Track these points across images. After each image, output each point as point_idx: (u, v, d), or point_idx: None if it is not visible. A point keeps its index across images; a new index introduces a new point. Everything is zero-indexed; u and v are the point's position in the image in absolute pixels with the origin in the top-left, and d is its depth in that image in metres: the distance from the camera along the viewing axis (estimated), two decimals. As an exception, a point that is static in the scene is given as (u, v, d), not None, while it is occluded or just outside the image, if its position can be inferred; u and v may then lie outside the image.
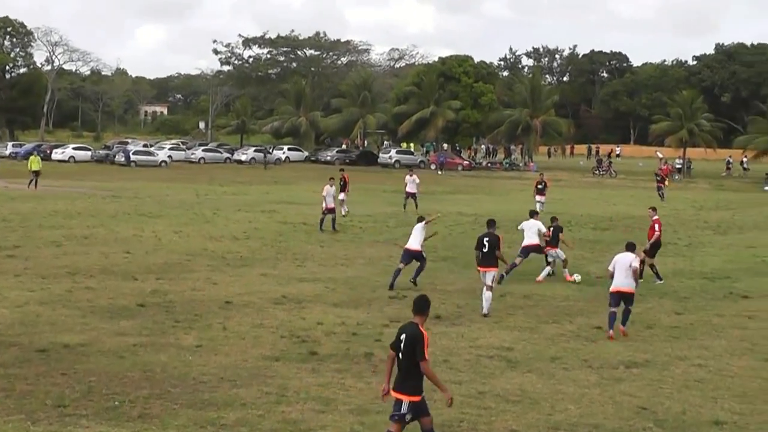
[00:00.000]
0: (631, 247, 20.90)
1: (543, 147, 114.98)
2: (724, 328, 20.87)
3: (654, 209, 29.23)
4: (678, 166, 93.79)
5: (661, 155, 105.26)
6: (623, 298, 20.19)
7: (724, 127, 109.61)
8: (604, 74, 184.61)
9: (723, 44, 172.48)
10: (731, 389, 15.90)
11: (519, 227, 28.20)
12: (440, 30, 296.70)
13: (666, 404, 14.94)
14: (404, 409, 11.24)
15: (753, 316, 22.30)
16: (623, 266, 20.22)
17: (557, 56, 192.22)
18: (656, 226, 27.81)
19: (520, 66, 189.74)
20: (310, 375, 15.86)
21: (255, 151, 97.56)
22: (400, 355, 11.24)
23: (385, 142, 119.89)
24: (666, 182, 74.36)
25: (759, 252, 34.90)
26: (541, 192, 49.12)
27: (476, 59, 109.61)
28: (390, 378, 11.48)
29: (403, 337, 11.27)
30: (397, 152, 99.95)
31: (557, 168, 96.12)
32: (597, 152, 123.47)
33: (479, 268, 22.16)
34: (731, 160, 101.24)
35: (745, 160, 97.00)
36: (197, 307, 21.14)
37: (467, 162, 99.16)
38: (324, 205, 37.60)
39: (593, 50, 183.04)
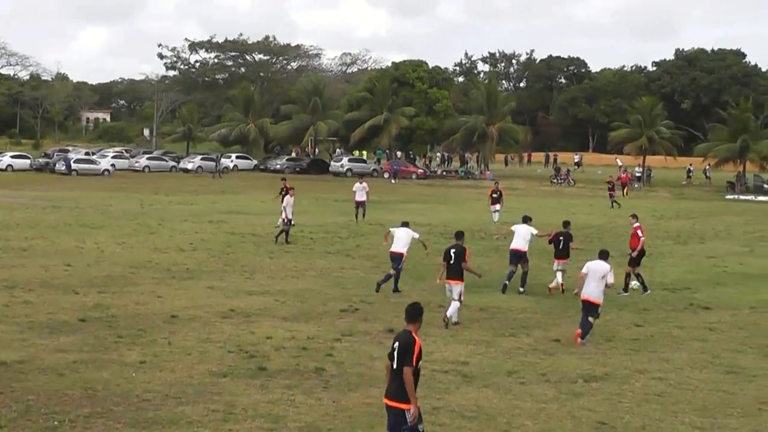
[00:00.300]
0: (604, 255, 21.34)
1: (499, 155, 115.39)
2: (685, 341, 21.07)
3: (635, 216, 29.49)
4: (638, 175, 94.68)
5: (620, 163, 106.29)
6: (589, 307, 20.56)
7: (684, 134, 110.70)
8: (562, 80, 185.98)
9: (683, 50, 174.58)
10: (692, 403, 16.05)
11: (512, 227, 28.38)
12: (393, 34, 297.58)
13: (625, 419, 15.05)
14: (410, 418, 11.27)
15: (714, 328, 22.54)
16: (596, 275, 20.64)
17: (514, 61, 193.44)
18: (639, 232, 28.01)
19: (476, 71, 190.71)
20: (258, 391, 15.80)
21: (202, 159, 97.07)
22: (394, 364, 11.38)
23: (337, 150, 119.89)
24: (626, 190, 75.19)
25: (719, 262, 35.30)
26: (496, 201, 49.23)
27: (431, 64, 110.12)
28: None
29: (396, 345, 11.45)
30: (349, 160, 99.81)
31: (514, 176, 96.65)
32: (555, 160, 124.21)
33: (446, 280, 22.43)
34: (692, 168, 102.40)
35: (707, 168, 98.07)
36: (141, 322, 20.99)
37: (421, 170, 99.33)
38: (284, 215, 37.52)
39: (551, 55, 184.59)
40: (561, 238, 27.17)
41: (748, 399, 16.39)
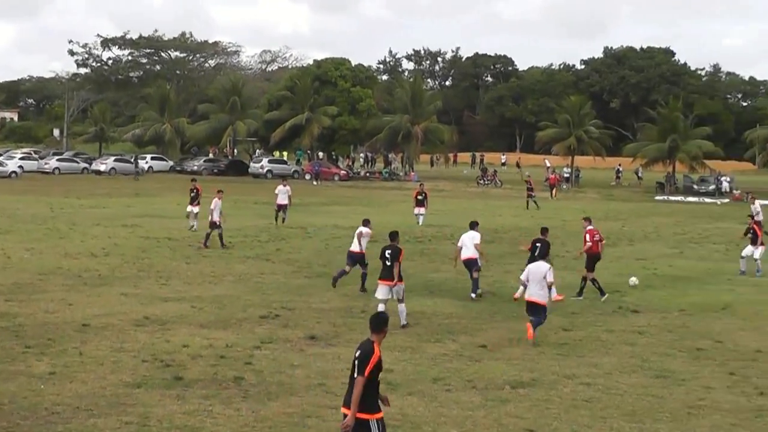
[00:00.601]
0: (543, 255, 22.66)
1: (425, 155, 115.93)
2: (614, 344, 21.31)
3: (588, 219, 29.53)
4: (566, 175, 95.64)
5: (548, 163, 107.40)
6: (534, 309, 21.11)
7: (613, 134, 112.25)
8: (489, 78, 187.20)
9: (612, 48, 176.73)
10: (620, 408, 16.24)
11: (459, 244, 28.10)
12: (315, 31, 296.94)
13: (553, 425, 15.18)
14: (374, 429, 11.39)
15: (643, 331, 22.84)
16: (536, 276, 21.22)
17: (439, 59, 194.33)
18: (587, 236, 28.14)
19: (400, 69, 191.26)
20: (174, 402, 15.67)
21: (116, 160, 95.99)
22: (355, 372, 11.50)
23: (257, 151, 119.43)
24: (554, 191, 75.96)
25: (649, 264, 35.80)
26: (420, 204, 49.32)
27: (354, 62, 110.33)
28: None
29: (357, 354, 11.55)
30: (270, 161, 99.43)
31: (440, 177, 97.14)
32: (481, 161, 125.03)
33: (380, 281, 22.85)
34: (621, 169, 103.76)
35: (640, 168, 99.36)
36: (51, 331, 20.70)
37: (344, 171, 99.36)
38: (210, 218, 37.32)
39: (477, 53, 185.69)
40: (537, 244, 26.94)
41: (677, 403, 16.63)
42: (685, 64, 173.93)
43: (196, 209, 42.83)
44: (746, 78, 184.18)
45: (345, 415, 11.48)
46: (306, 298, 25.75)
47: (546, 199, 73.99)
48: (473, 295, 26.97)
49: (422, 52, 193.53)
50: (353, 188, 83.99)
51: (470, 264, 27.48)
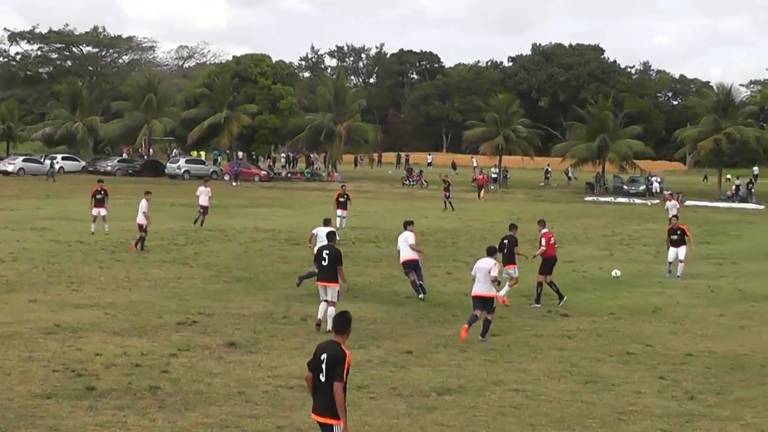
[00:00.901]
0: (491, 251, 23.73)
1: (348, 155, 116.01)
2: (542, 349, 21.49)
3: (542, 222, 29.41)
4: (494, 176, 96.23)
5: (476, 163, 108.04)
6: (482, 302, 22.10)
7: (542, 133, 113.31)
8: (414, 76, 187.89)
9: (540, 45, 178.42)
10: (549, 415, 16.37)
11: (398, 248, 28.61)
12: (233, 26, 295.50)
13: (481, 433, 15.28)
14: None
15: (572, 336, 23.06)
16: (483, 272, 22.50)
17: (363, 56, 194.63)
18: (543, 240, 28.22)
19: (322, 66, 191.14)
20: (86, 413, 15.49)
21: (24, 160, 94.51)
22: (322, 376, 11.52)
23: (174, 151, 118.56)
24: (482, 192, 76.47)
25: (578, 267, 36.17)
26: (342, 206, 49.07)
27: (274, 58, 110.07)
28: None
29: (324, 356, 11.54)
30: (187, 161, 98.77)
31: (364, 178, 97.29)
32: (407, 161, 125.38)
33: (318, 283, 23.19)
34: (550, 169, 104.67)
35: (570, 168, 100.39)
36: (-46, 340, 20.37)
37: (265, 172, 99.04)
38: (140, 221, 37.38)
39: (402, 49, 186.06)
40: (505, 241, 27.94)
41: (606, 409, 16.81)
42: (615, 61, 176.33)
43: (103, 212, 42.51)
44: (676, 76, 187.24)
45: (325, 425, 11.58)
46: (225, 303, 25.62)
47: (473, 200, 74.48)
48: (421, 296, 27.48)
49: (345, 48, 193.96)
50: (274, 189, 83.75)
51: (409, 266, 27.83)
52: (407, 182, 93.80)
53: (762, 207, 78.22)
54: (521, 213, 62.45)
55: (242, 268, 32.61)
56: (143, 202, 37.75)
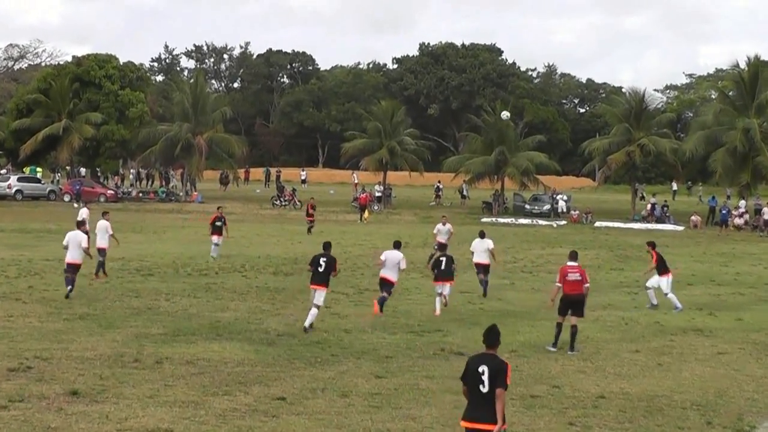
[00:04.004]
0: (397, 245, 32.22)
1: (210, 171, 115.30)
2: (435, 393, 21.57)
3: (573, 255, 29.21)
4: (377, 194, 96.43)
5: (357, 180, 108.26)
6: (385, 285, 30.98)
7: (431, 145, 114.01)
8: (285, 79, 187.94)
9: (428, 44, 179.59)
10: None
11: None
12: (69, 21, 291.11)
13: (365, 490, 15.29)
14: None
15: (468, 377, 23.20)
16: (392, 262, 31.55)
17: (225, 56, 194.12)
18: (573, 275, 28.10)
19: (178, 68, 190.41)
20: None
21: None
22: (483, 387, 14.27)
23: (4, 168, 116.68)
24: (365, 213, 76.67)
25: (474, 298, 36.43)
26: (218, 231, 48.12)
27: (122, 59, 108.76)
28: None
29: (483, 368, 14.36)
30: (20, 179, 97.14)
31: (228, 198, 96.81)
32: (278, 178, 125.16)
33: (311, 286, 28.57)
34: (441, 186, 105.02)
35: (464, 186, 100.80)
36: None
37: (112, 191, 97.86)
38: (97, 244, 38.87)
39: (270, 49, 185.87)
40: (442, 259, 32.45)
41: (508, 460, 16.93)
42: (514, 63, 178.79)
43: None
44: (583, 80, 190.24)
45: (475, 430, 14.35)
46: (66, 345, 25.23)
47: (354, 223, 74.60)
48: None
49: (205, 47, 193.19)
50: (123, 211, 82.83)
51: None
52: (278, 202, 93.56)
53: (681, 228, 79.72)
54: (408, 237, 62.64)
55: (86, 304, 32.16)
56: (105, 223, 40.75)
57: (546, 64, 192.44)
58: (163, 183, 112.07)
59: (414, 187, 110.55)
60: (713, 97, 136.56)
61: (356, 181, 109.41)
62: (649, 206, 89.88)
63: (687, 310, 34.71)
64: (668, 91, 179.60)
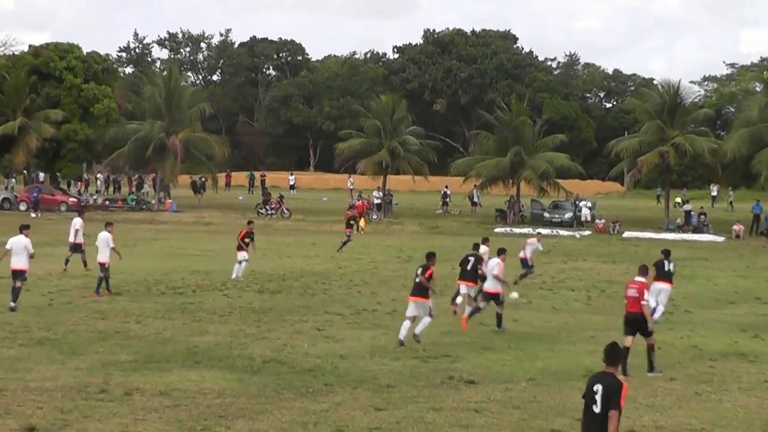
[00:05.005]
0: (500, 252, 35.21)
1: (186, 176, 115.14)
2: (442, 427, 21.54)
3: (644, 270, 29.49)
4: (377, 201, 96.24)
5: (351, 185, 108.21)
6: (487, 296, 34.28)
7: (438, 145, 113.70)
8: (271, 71, 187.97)
9: (434, 31, 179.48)
10: None
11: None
12: (27, 6, 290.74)
13: None
14: None
15: (481, 409, 23.12)
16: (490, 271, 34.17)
17: (204, 45, 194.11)
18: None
19: (150, 59, 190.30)
20: None
21: None
22: (596, 407, 15.11)
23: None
24: (363, 223, 76.58)
25: (486, 319, 36.40)
26: (246, 247, 47.55)
27: (85, 49, 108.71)
28: None
29: (598, 387, 15.20)
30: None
31: (207, 206, 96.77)
32: (263, 183, 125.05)
33: (411, 298, 31.08)
34: (448, 192, 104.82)
35: (475, 191, 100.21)
36: None
37: (74, 199, 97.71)
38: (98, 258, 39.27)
39: (254, 37, 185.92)
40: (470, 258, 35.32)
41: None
42: (531, 52, 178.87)
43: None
44: (609, 71, 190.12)
45: None
46: (22, 374, 25.19)
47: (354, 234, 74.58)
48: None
49: (180, 35, 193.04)
50: (87, 222, 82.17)
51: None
52: (264, 211, 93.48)
53: (721, 239, 79.61)
54: (412, 250, 62.66)
55: (45, 327, 32.14)
56: (108, 234, 40.86)
57: (567, 53, 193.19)
58: (133, 189, 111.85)
59: (418, 193, 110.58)
60: (758, 89, 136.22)
61: (352, 187, 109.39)
62: (684, 214, 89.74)
63: (729, 331, 34.70)
64: (706, 83, 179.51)
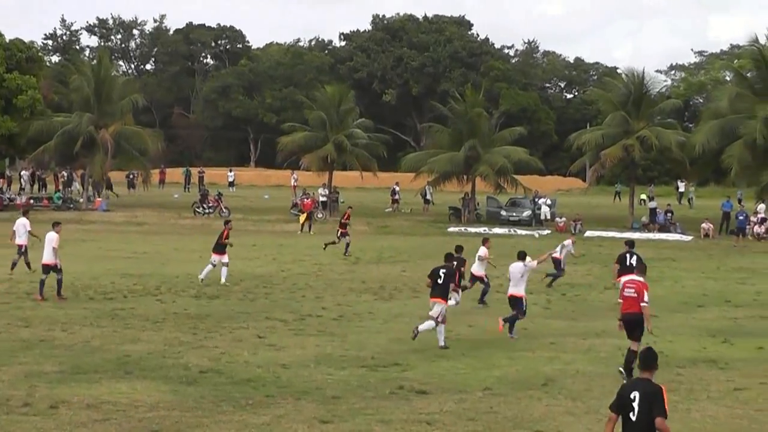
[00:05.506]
0: (522, 256, 35.56)
1: (118, 172, 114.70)
2: (392, 441, 21.60)
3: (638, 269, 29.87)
4: (322, 199, 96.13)
5: (294, 181, 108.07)
6: (513, 301, 35.24)
7: (388, 139, 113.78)
8: (209, 60, 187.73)
9: (383, 17, 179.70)
10: None
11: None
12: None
13: None
14: None
15: (433, 421, 23.15)
16: (515, 276, 35.16)
17: (136, 32, 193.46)
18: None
19: (78, 47, 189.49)
20: None
21: None
22: (633, 415, 15.37)
23: None
24: (308, 223, 76.48)
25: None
26: (224, 249, 47.49)
27: (8, 36, 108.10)
28: None
29: (635, 395, 15.41)
30: None
31: (140, 205, 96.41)
32: (200, 180, 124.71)
33: (431, 299, 32.65)
34: (398, 189, 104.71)
35: (428, 188, 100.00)
36: None
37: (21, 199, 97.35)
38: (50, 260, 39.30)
39: (190, 23, 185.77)
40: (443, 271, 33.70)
41: None
42: (487, 39, 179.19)
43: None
44: (571, 60, 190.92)
45: None
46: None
47: (294, 234, 74.49)
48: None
49: (110, 21, 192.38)
50: (10, 222, 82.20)
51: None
52: (201, 210, 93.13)
53: (689, 239, 79.86)
54: (360, 252, 62.69)
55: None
56: (54, 235, 41.29)
57: (526, 41, 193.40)
58: (60, 187, 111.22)
59: (366, 190, 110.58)
60: (728, 79, 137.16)
61: (296, 183, 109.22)
62: (649, 212, 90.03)
63: (698, 337, 34.89)
64: (674, 72, 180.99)
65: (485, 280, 42.21)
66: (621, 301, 28.64)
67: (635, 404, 15.30)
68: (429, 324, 32.28)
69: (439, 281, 32.52)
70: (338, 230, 62.33)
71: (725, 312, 42.11)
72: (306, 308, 39.31)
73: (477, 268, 42.41)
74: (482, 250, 42.68)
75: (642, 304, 27.85)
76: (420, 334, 31.90)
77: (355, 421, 23.04)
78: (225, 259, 47.04)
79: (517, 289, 35.29)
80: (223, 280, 45.92)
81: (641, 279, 28.65)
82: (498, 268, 42.73)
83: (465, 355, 31.12)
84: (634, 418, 15.29)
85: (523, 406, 24.75)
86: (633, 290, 28.21)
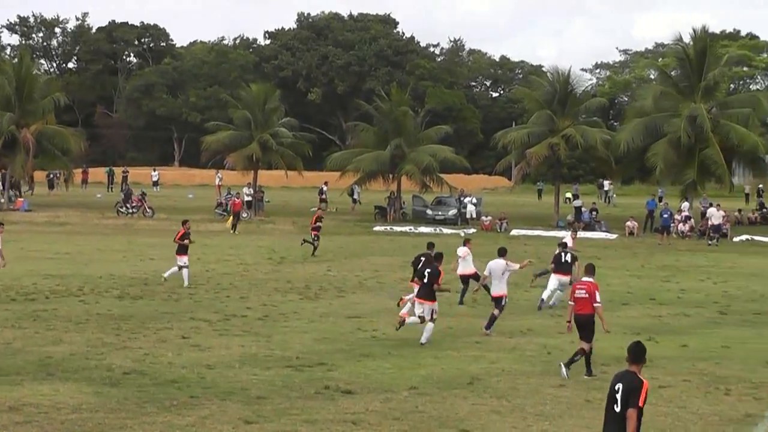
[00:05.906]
0: (501, 252, 37.04)
1: (40, 172, 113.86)
2: (317, 441, 21.59)
3: (590, 268, 30.00)
4: (247, 198, 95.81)
5: (221, 181, 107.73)
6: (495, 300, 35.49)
7: (313, 138, 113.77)
8: (132, 58, 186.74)
9: (308, 15, 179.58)
10: None
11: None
12: None
13: None
14: None
15: (358, 421, 23.16)
16: (497, 274, 35.36)
17: (58, 30, 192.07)
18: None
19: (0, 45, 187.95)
20: None
21: None
22: (616, 407, 16.10)
23: None
24: (234, 223, 76.21)
25: (366, 324, 36.46)
26: (186, 250, 46.99)
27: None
28: None
29: (618, 386, 16.17)
30: None
31: (62, 205, 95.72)
32: (125, 178, 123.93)
33: (416, 299, 33.57)
34: (325, 188, 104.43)
35: (355, 187, 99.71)
36: None
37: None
38: None
39: (113, 21, 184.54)
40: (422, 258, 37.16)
41: None
42: (413, 38, 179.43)
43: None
44: (496, 58, 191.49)
45: None
46: None
47: (219, 233, 74.21)
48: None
49: (32, 19, 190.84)
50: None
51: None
52: (124, 210, 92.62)
53: (614, 237, 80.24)
54: (285, 251, 62.64)
55: None
56: None
57: (451, 39, 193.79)
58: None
59: (292, 189, 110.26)
60: (653, 77, 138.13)
61: (220, 183, 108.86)
62: (574, 210, 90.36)
63: (622, 335, 34.97)
64: (598, 70, 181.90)
65: (477, 275, 41.76)
66: (572, 302, 28.96)
67: (618, 396, 16.00)
68: (414, 320, 33.45)
69: (425, 280, 33.28)
70: (312, 233, 62.09)
71: (650, 310, 42.44)
72: (231, 308, 39.22)
73: (463, 268, 43.70)
74: (462, 250, 43.89)
75: (595, 305, 28.55)
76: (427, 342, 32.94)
77: (281, 422, 23.02)
78: (183, 261, 46.62)
79: (499, 289, 35.66)
80: (186, 283, 45.66)
81: (591, 280, 29.03)
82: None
83: (391, 355, 31.16)
84: (617, 409, 16.03)
85: (449, 405, 24.82)
86: (584, 291, 28.75)
